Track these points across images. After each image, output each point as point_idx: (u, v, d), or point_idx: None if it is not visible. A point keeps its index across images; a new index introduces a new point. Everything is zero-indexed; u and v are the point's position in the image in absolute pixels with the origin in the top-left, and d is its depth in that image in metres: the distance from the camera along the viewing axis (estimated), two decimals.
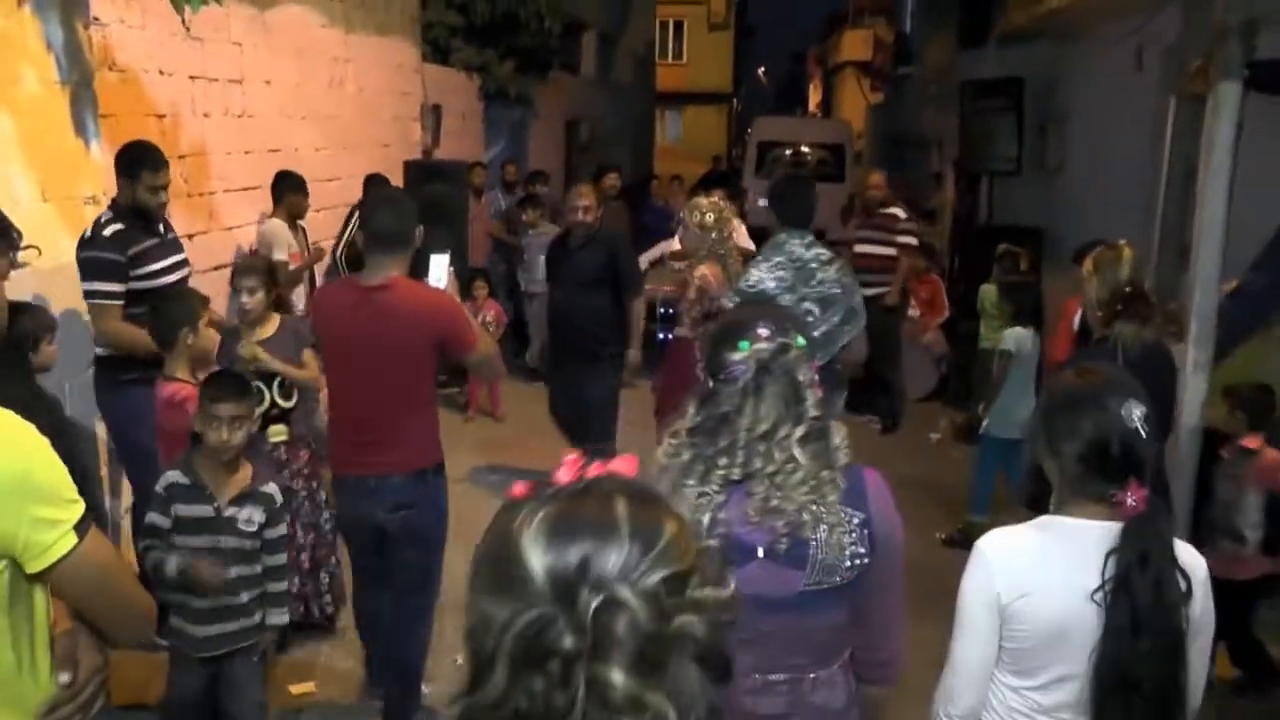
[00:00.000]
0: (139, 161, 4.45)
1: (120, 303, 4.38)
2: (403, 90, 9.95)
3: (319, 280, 7.56)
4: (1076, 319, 5.16)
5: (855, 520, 2.03)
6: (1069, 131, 8.89)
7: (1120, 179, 7.59)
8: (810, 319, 4.44)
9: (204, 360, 4.12)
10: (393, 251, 3.63)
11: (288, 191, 6.70)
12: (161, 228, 4.64)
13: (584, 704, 0.87)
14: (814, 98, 44.33)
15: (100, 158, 4.81)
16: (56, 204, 4.58)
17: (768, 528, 2.00)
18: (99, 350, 4.52)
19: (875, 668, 2.22)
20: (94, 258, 4.36)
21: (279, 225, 6.62)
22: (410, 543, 3.77)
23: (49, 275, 4.37)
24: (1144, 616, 1.97)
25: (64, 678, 1.68)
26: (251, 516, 3.31)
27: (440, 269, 3.92)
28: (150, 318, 4.15)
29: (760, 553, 2.01)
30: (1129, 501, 2.01)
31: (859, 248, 8.31)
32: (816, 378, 2.09)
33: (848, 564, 2.02)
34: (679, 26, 36.06)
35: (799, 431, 2.02)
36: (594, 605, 0.87)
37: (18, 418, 1.61)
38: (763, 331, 2.04)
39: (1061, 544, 2.09)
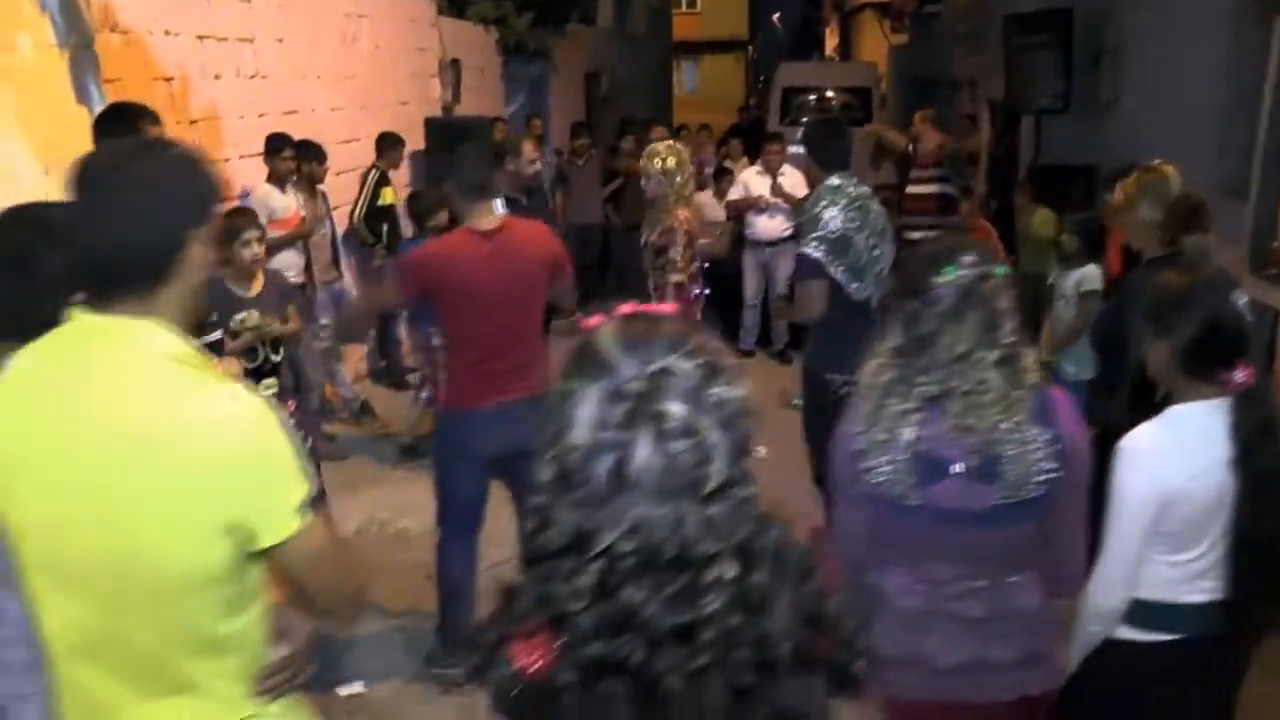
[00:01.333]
0: (136, 115, 3.60)
1: None
2: (419, 46, 9.53)
3: (341, 248, 7.22)
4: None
5: (1045, 437, 2.16)
6: (1125, 64, 8.39)
7: (1187, 111, 7.13)
8: (876, 253, 4.55)
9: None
10: (489, 195, 3.89)
11: (269, 155, 6.33)
12: None
13: (653, 437, 1.16)
14: (830, 42, 43.39)
15: None
16: (60, 178, 4.22)
17: (962, 445, 2.16)
18: None
19: (1062, 581, 2.35)
20: None
21: (264, 190, 6.27)
22: None
23: None
24: (1271, 475, 2.25)
25: (282, 650, 1.80)
26: None
27: None
28: None
29: (956, 468, 2.17)
30: (1238, 378, 2.29)
31: (913, 188, 7.93)
32: (1015, 306, 2.23)
33: (1039, 478, 2.15)
34: None
35: (993, 355, 2.15)
36: (651, 369, 1.19)
37: (252, 397, 1.65)
38: (967, 259, 2.18)
39: (1196, 427, 2.32)
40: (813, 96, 17.50)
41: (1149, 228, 3.72)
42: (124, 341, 1.61)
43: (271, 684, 1.78)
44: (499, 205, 4.09)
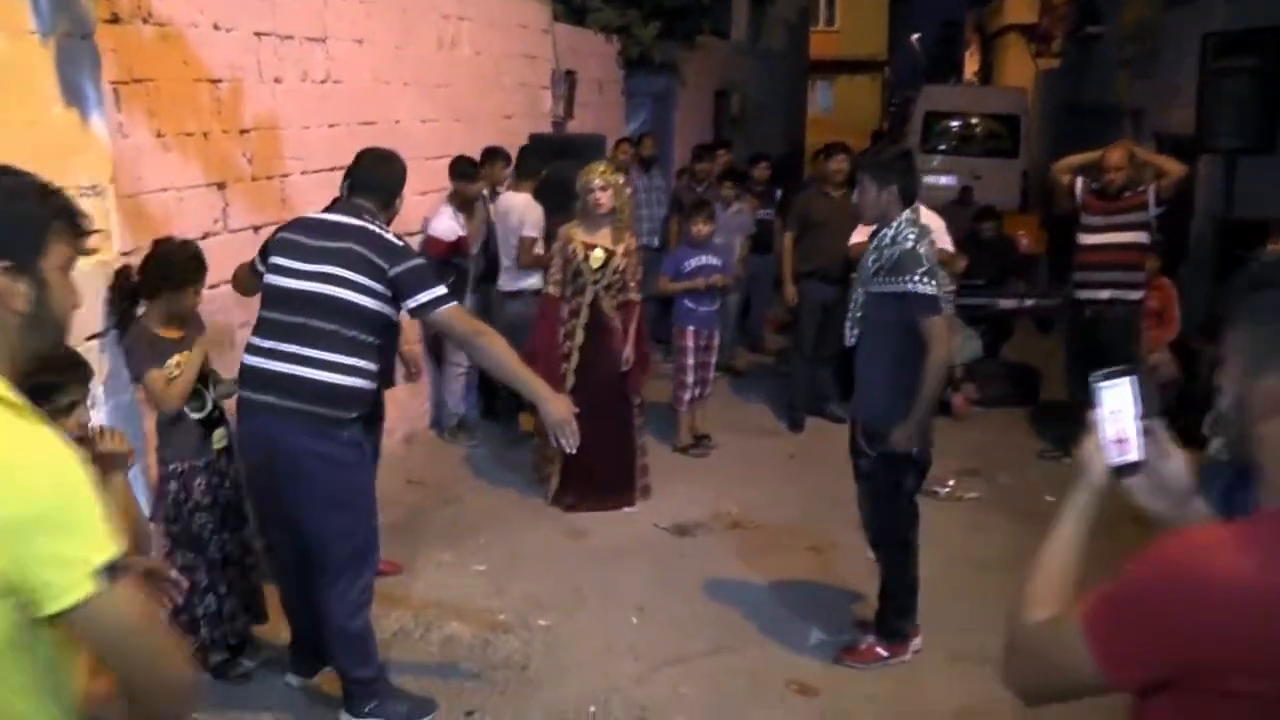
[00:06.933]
0: None
1: None
2: (529, 54, 8.68)
3: None
4: None
5: None
6: None
7: None
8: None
9: None
10: None
11: (462, 179, 6.72)
12: None
13: None
14: (970, 65, 41.84)
15: (105, 134, 3.64)
16: None
17: None
18: None
19: None
20: None
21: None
22: None
23: None
24: None
25: None
26: None
27: None
28: None
29: None
30: None
31: (1097, 237, 6.63)
32: None
33: None
34: None
35: None
36: None
37: (61, 445, 1.44)
38: None
39: None
40: (956, 123, 16.43)
41: None
42: None
43: None
44: None
